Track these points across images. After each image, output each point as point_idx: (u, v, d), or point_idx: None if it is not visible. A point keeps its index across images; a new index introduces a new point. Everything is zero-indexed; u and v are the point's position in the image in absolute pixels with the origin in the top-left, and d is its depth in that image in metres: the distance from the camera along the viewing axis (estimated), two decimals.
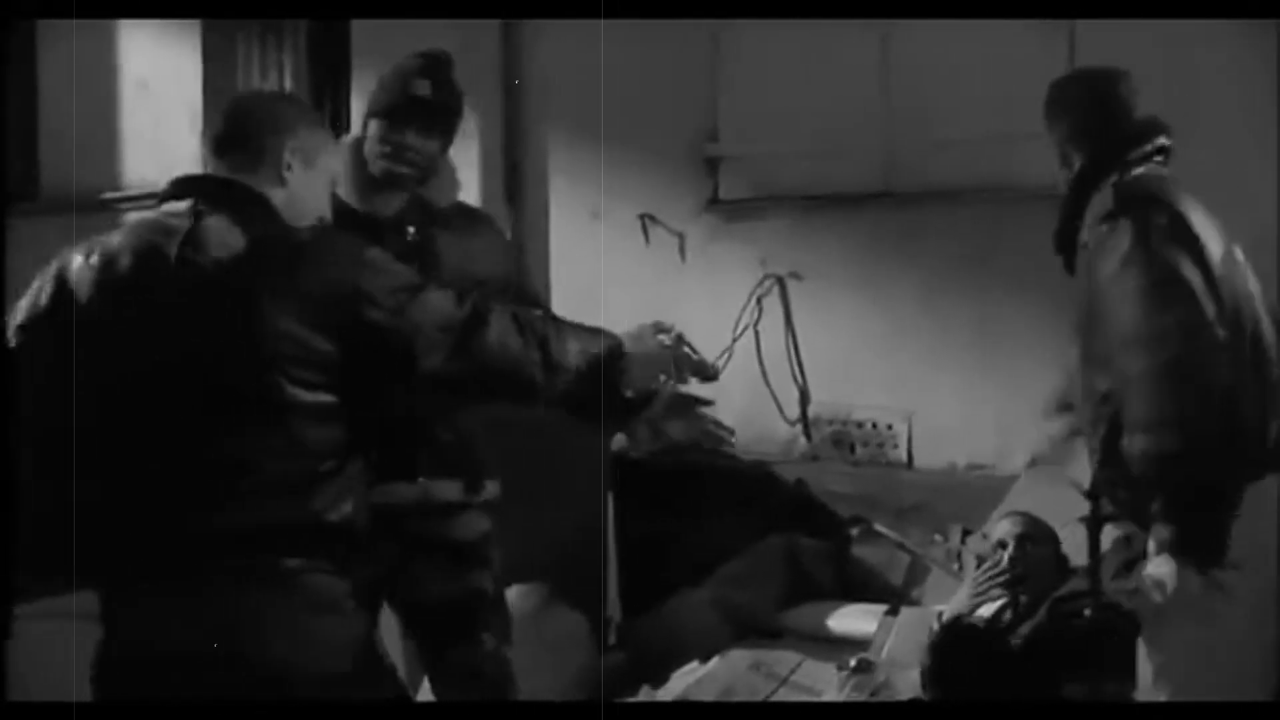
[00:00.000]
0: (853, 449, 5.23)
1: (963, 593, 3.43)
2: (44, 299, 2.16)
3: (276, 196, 2.21)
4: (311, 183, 2.28)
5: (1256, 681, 2.53)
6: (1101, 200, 2.66)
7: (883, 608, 4.10)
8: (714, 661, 4.07)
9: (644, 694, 4.05)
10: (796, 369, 5.33)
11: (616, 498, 4.82)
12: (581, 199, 5.79)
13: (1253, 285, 2.67)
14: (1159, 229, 2.55)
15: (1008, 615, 3.27)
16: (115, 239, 2.16)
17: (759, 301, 5.39)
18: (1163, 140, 2.78)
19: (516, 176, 5.88)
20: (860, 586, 4.65)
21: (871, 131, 5.22)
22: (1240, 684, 2.50)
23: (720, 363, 5.36)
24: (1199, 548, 2.45)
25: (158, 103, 7.77)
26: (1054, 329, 4.76)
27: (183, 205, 2.16)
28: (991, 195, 4.92)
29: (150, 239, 2.12)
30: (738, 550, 4.79)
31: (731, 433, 2.70)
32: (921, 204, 5.10)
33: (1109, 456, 2.63)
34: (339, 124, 7.07)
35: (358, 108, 6.81)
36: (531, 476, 3.78)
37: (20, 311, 2.18)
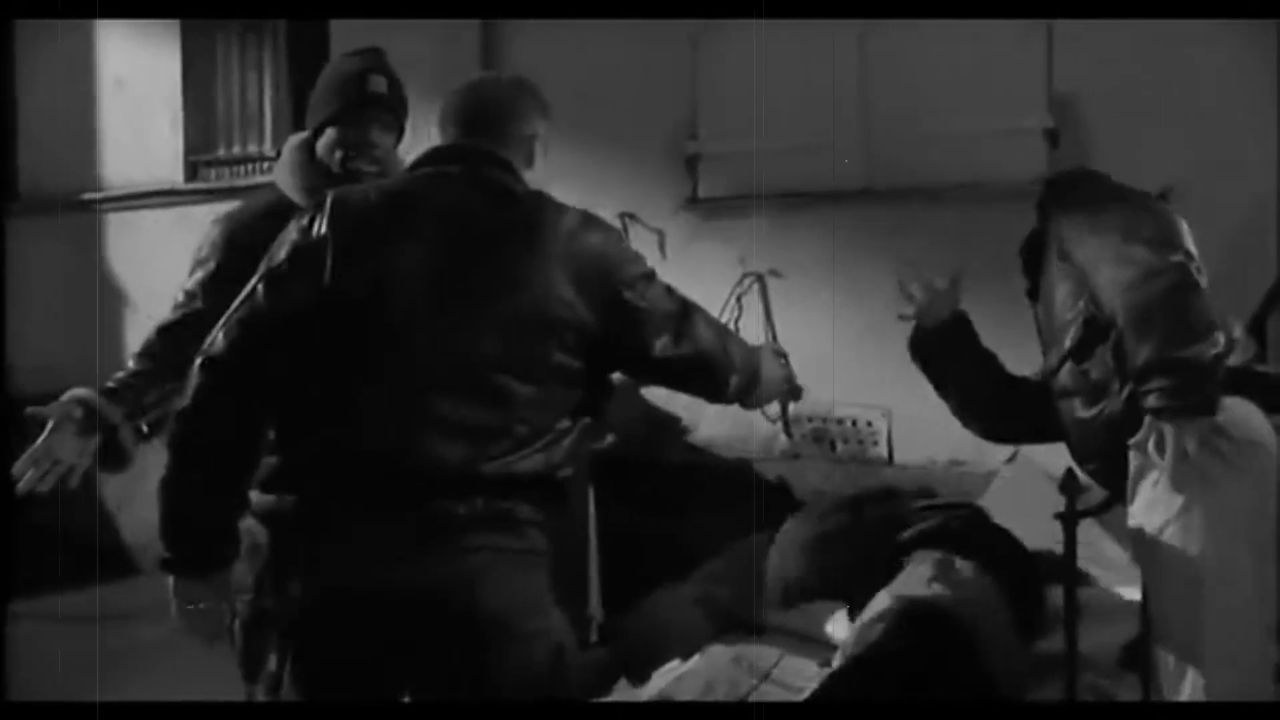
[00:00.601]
0: (833, 446, 5.25)
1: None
2: (320, 228, 2.23)
3: (527, 178, 2.40)
4: (542, 171, 2.47)
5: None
6: (1058, 180, 2.81)
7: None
8: (695, 658, 4.07)
9: (622, 689, 4.05)
10: None
11: (597, 494, 4.83)
12: (561, 197, 5.77)
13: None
14: (1123, 185, 2.65)
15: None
16: (386, 184, 2.35)
17: (739, 300, 5.40)
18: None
19: None
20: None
21: (850, 129, 5.24)
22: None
23: None
24: (1192, 398, 2.40)
25: (137, 103, 7.75)
26: (1033, 326, 4.81)
27: (454, 168, 2.32)
28: (970, 192, 4.94)
29: (437, 186, 2.29)
30: (720, 547, 4.80)
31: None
32: (900, 201, 5.12)
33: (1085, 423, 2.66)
34: None
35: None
36: None
37: (286, 246, 2.24)
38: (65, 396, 2.55)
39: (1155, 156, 4.28)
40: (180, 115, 7.53)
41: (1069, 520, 2.82)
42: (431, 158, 2.37)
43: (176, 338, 2.68)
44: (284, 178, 2.92)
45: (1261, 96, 4.40)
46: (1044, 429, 2.88)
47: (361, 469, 2.14)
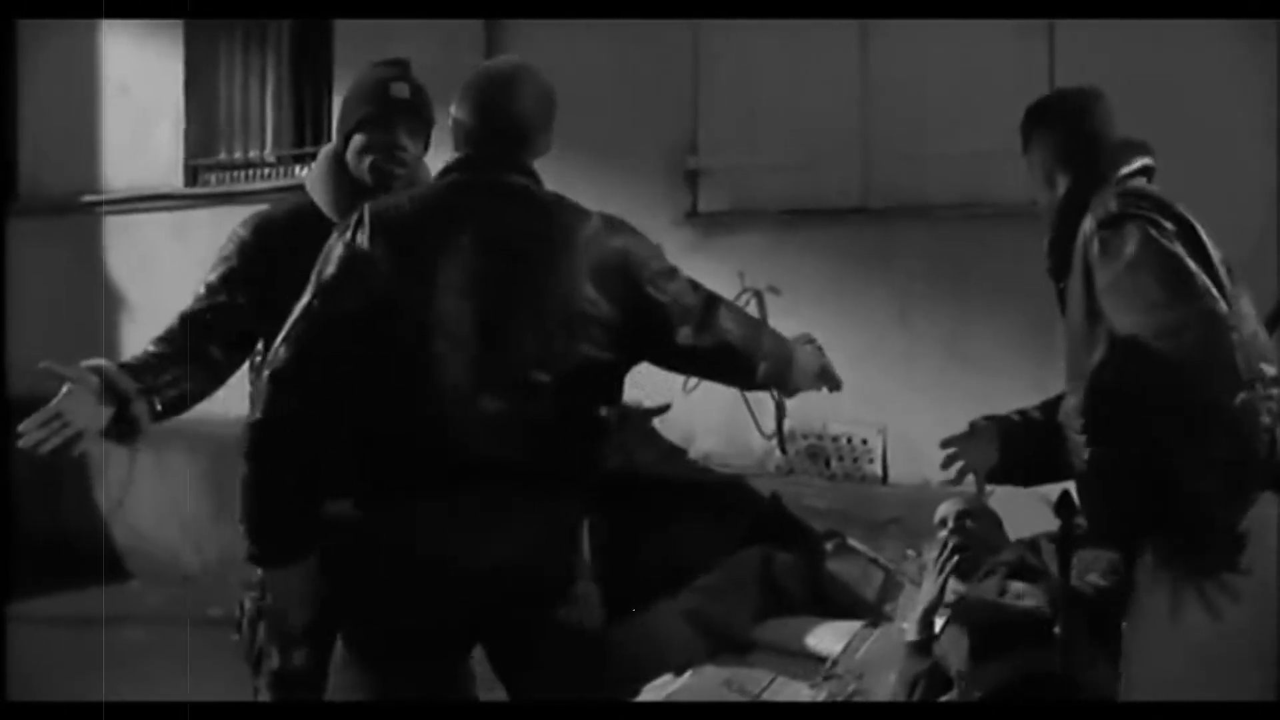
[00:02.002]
0: (828, 463, 5.25)
1: (926, 586, 3.45)
2: (363, 240, 2.35)
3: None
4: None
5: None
6: (1101, 204, 2.56)
7: (854, 624, 4.11)
8: (687, 676, 4.07)
9: None
10: None
11: (589, 507, 4.81)
12: None
13: (1246, 305, 2.56)
14: (1166, 230, 2.46)
15: (987, 581, 3.31)
16: (418, 193, 2.49)
17: None
18: (1147, 160, 2.74)
19: None
20: (834, 601, 4.66)
21: (849, 146, 5.25)
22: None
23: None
24: (1208, 553, 2.36)
25: (139, 106, 7.75)
26: (1028, 344, 4.82)
27: (482, 176, 2.46)
28: (967, 211, 4.95)
29: (468, 195, 2.44)
30: (712, 563, 4.79)
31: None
32: (898, 219, 5.13)
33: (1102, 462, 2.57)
34: (321, 127, 7.09)
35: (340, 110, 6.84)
36: None
37: (337, 257, 2.36)
38: (83, 364, 2.56)
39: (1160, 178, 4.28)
40: (182, 119, 7.53)
41: (1063, 542, 2.81)
42: (459, 165, 2.49)
43: (197, 326, 2.76)
44: (315, 186, 2.95)
45: (1261, 97, 4.40)
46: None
47: (420, 467, 2.32)
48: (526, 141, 2.50)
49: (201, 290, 2.85)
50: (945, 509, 3.64)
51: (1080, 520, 2.78)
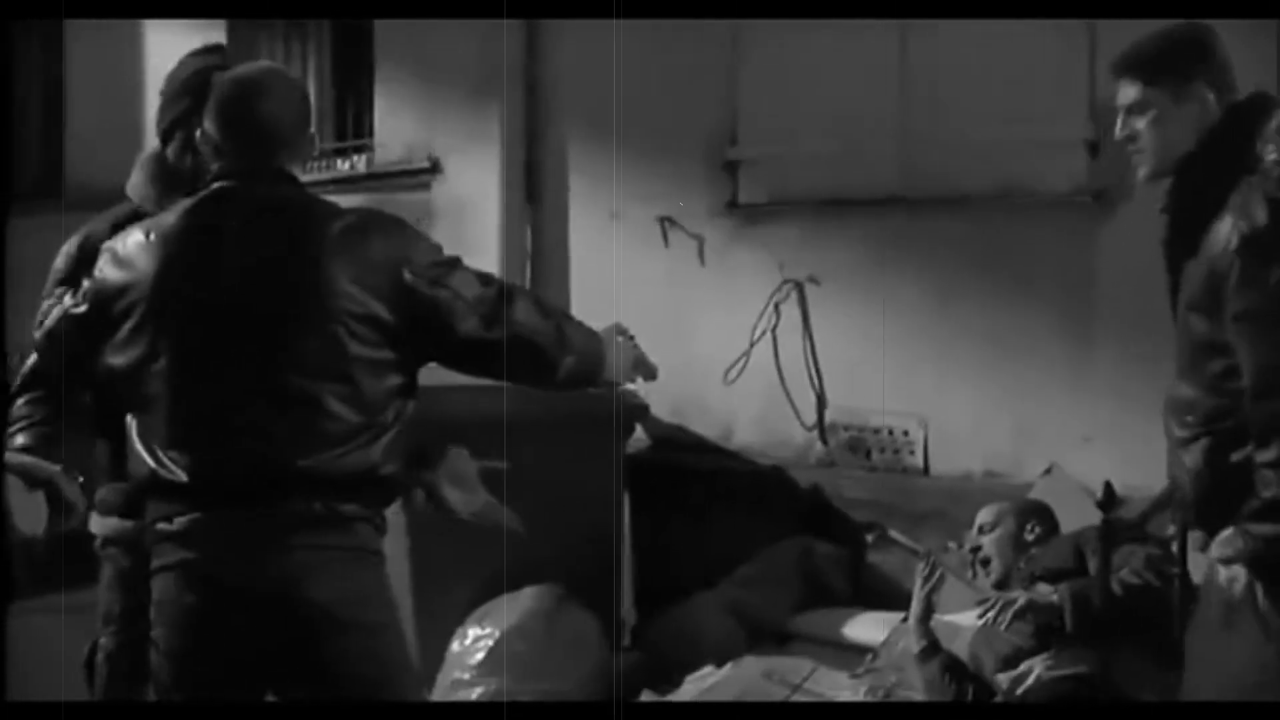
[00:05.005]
0: (869, 455, 5.23)
1: (915, 596, 3.57)
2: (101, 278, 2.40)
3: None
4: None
5: None
6: (1247, 210, 2.30)
7: (894, 615, 4.10)
8: (727, 667, 4.07)
9: (646, 698, 4.06)
10: (813, 374, 5.34)
11: (631, 499, 4.83)
12: (601, 200, 5.81)
13: None
14: None
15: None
16: (163, 218, 2.44)
17: (777, 307, 5.39)
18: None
19: (536, 177, 5.91)
20: (875, 592, 4.66)
21: (888, 136, 5.22)
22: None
23: (737, 368, 5.43)
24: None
25: None
26: (1069, 334, 4.79)
27: (232, 186, 2.41)
28: (1007, 201, 4.91)
29: (213, 210, 2.40)
30: (752, 554, 4.80)
31: (517, 519, 2.77)
32: (937, 210, 5.10)
33: (1214, 470, 2.41)
34: (362, 122, 7.13)
35: (381, 107, 6.89)
36: (545, 477, 3.80)
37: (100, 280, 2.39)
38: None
39: None
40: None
41: (1106, 534, 2.80)
42: (214, 177, 2.44)
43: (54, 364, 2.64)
44: (138, 189, 2.94)
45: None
46: None
47: (191, 482, 2.28)
48: (276, 147, 2.43)
49: (39, 317, 2.78)
50: (985, 515, 3.67)
51: (1121, 514, 2.78)
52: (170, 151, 2.90)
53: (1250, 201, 2.29)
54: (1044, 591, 3.25)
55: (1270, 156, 2.34)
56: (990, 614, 3.26)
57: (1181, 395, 2.47)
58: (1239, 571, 2.36)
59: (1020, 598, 3.26)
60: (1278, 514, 2.28)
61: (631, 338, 2.62)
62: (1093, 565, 3.20)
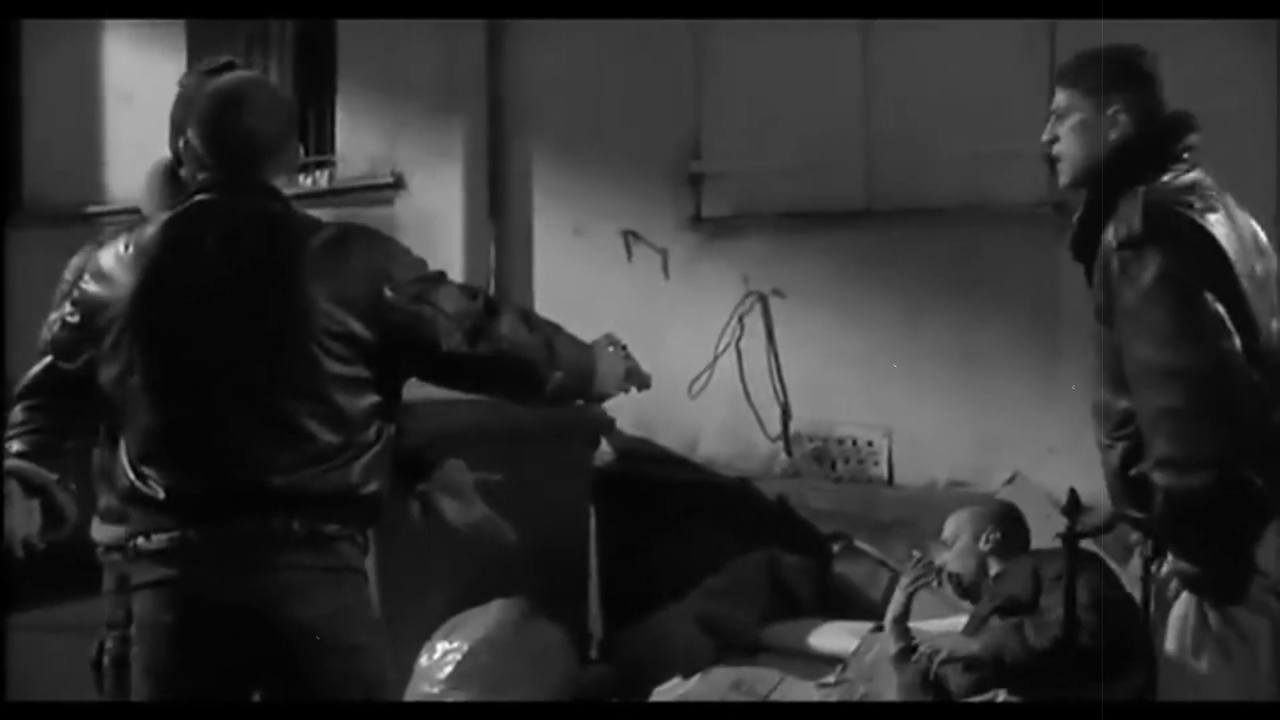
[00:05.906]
0: (834, 465, 5.25)
1: (895, 597, 3.55)
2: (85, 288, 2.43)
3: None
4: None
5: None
6: (1126, 218, 2.44)
7: (862, 625, 4.11)
8: (695, 679, 4.08)
9: None
10: (778, 386, 5.35)
11: (598, 511, 4.83)
12: (564, 215, 5.81)
13: None
14: (1185, 261, 2.37)
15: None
16: (144, 231, 2.42)
17: (741, 319, 5.40)
18: (1194, 139, 2.60)
19: (500, 191, 5.91)
20: (841, 602, 4.66)
21: (853, 149, 5.24)
22: None
23: (701, 380, 5.43)
24: (1220, 585, 2.36)
25: (142, 114, 7.74)
26: (1033, 346, 4.82)
27: (212, 198, 2.40)
28: (972, 214, 4.94)
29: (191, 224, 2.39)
30: (719, 565, 4.80)
31: (511, 531, 2.76)
32: (903, 222, 5.13)
33: (1124, 479, 2.53)
34: (324, 137, 7.10)
35: (343, 121, 6.85)
36: (512, 489, 3.79)
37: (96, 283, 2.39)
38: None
39: None
40: None
41: (1071, 541, 2.82)
42: (197, 189, 2.43)
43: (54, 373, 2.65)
44: (149, 202, 2.94)
45: (1261, 98, 4.39)
46: None
47: (167, 499, 2.27)
48: (259, 159, 2.41)
49: (45, 332, 2.81)
50: (948, 528, 3.67)
51: (1086, 520, 2.80)
52: (184, 171, 2.89)
53: (1130, 208, 2.43)
54: (964, 643, 3.30)
55: (1167, 176, 2.50)
56: (921, 664, 3.30)
57: (1100, 401, 2.55)
58: (1187, 598, 2.40)
59: (943, 649, 3.28)
60: (1173, 518, 2.35)
61: (624, 348, 2.60)
62: (1044, 597, 3.22)
